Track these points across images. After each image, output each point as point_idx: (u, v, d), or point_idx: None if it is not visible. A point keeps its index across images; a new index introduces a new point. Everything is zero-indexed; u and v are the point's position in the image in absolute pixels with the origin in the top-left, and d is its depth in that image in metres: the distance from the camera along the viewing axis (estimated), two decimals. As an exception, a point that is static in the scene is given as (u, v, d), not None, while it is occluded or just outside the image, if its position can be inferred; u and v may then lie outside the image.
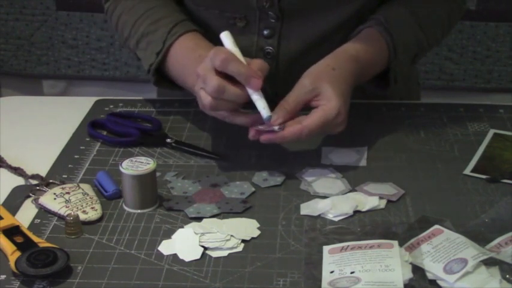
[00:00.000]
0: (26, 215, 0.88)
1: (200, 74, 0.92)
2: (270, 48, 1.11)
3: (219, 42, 1.13)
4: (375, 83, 1.08)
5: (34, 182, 0.95)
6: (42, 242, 0.80)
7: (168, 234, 0.84)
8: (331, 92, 0.93)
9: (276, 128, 0.92)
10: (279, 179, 0.95)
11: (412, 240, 0.79)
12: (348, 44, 1.03)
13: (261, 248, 0.82)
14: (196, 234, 0.83)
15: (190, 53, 1.03)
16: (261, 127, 0.93)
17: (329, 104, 0.93)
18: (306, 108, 0.95)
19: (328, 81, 0.95)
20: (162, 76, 1.09)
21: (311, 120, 0.92)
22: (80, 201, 0.88)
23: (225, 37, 0.95)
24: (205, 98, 0.92)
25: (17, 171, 0.97)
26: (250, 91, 0.92)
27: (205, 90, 0.92)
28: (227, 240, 0.82)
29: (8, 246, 0.79)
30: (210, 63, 0.92)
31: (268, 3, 1.07)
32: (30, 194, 0.91)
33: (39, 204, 0.89)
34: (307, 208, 0.88)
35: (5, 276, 0.77)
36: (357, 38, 1.05)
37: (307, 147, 1.02)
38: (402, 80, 1.10)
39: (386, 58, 1.05)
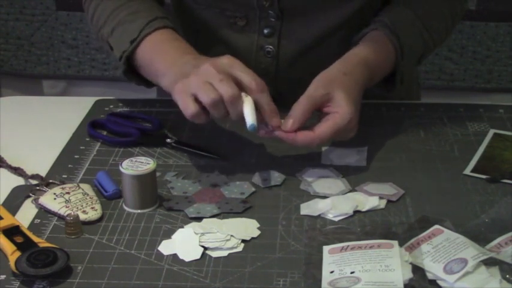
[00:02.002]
0: (26, 215, 0.88)
1: (216, 70, 0.90)
2: (270, 47, 1.11)
3: (217, 42, 1.13)
4: (381, 84, 1.08)
5: (34, 182, 0.95)
6: (42, 242, 0.80)
7: (168, 234, 0.84)
8: (344, 98, 0.93)
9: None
10: (279, 179, 0.94)
11: (412, 240, 0.79)
12: (357, 48, 1.03)
13: (261, 248, 0.81)
14: (196, 234, 0.83)
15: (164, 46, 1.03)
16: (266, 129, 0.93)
17: (341, 111, 0.92)
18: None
19: (340, 87, 0.94)
20: (131, 69, 1.08)
21: (323, 129, 0.92)
22: (80, 201, 0.88)
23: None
24: (211, 92, 0.89)
25: (17, 171, 0.97)
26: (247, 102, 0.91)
27: (218, 89, 0.89)
28: (227, 240, 0.82)
29: (8, 246, 0.79)
30: (227, 69, 0.91)
31: (269, 2, 1.07)
32: (30, 194, 0.91)
33: (39, 204, 0.89)
34: (307, 208, 0.88)
35: (5, 276, 0.77)
36: (364, 42, 1.04)
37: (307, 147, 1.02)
38: (407, 81, 1.10)
39: (393, 60, 1.05)
